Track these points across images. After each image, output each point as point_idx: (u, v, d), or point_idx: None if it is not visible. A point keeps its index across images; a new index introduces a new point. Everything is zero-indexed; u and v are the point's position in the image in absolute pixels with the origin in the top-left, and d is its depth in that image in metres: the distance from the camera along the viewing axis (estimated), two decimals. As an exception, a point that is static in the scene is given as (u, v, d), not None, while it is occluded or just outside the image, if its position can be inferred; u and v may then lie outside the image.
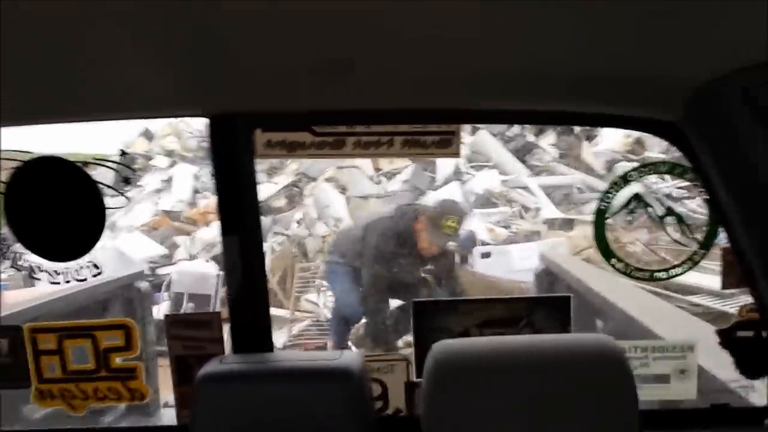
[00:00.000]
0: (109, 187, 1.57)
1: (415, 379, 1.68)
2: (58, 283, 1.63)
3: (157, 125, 10.51)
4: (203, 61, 1.15)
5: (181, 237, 8.00)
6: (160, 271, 6.92)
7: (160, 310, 5.21)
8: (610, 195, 1.68)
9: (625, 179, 1.68)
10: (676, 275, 1.70)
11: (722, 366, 1.89)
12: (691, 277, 5.50)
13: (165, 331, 1.66)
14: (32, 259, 1.61)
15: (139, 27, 1.00)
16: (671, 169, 1.69)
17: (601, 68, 1.21)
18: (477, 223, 8.59)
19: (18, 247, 1.60)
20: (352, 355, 1.37)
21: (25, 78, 1.16)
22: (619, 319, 3.02)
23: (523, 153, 10.60)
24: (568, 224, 8.79)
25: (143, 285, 4.24)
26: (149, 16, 0.96)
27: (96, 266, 1.64)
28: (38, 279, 1.66)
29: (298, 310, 6.19)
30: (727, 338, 1.58)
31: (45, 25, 0.96)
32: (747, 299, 1.55)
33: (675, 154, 1.61)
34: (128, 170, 1.60)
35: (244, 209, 1.54)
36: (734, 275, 1.61)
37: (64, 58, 1.09)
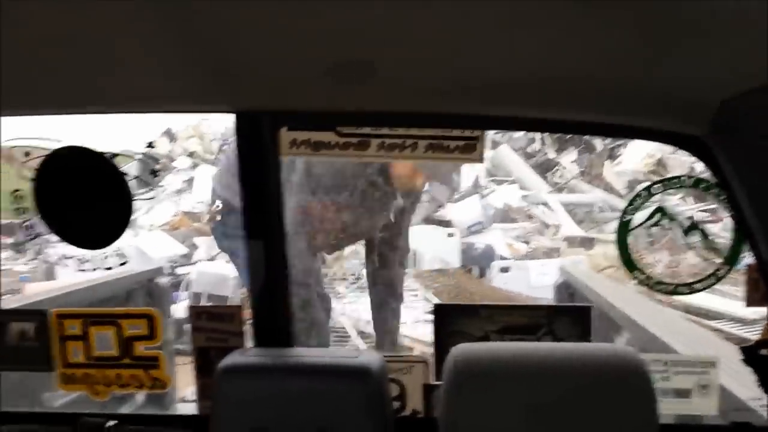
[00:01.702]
0: (136, 177, 1.60)
1: (433, 382, 1.68)
2: (85, 270, 1.65)
3: (180, 126, 10.63)
4: (231, 57, 1.17)
5: (201, 238, 8.07)
6: (180, 270, 6.97)
7: (178, 309, 5.25)
8: (633, 207, 1.67)
9: (649, 192, 1.67)
10: (699, 290, 1.68)
11: (743, 385, 1.88)
12: (714, 302, 5.46)
13: (190, 322, 1.68)
14: (59, 248, 1.64)
15: (168, 21, 1.01)
16: (696, 183, 1.68)
17: (627, 80, 1.21)
18: (496, 238, 8.57)
19: (45, 237, 1.63)
20: (372, 354, 1.37)
21: (56, 68, 1.19)
22: (640, 336, 2.99)
23: (544, 169, 10.57)
24: (588, 242, 8.75)
25: (163, 281, 4.27)
26: (179, 10, 0.98)
27: (122, 255, 1.67)
28: (66, 266, 1.68)
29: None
30: (750, 356, 1.56)
31: (77, 16, 0.98)
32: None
33: (698, 175, 1.61)
34: (155, 163, 1.62)
35: (269, 206, 1.56)
36: (759, 292, 1.60)
37: (93, 50, 1.11)
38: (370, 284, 3.92)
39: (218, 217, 3.45)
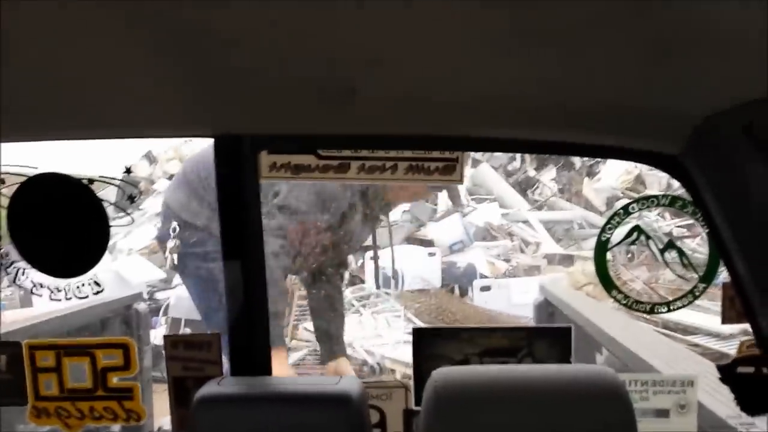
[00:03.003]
0: (113, 204, 1.58)
1: (413, 407, 1.67)
2: (59, 300, 1.63)
3: (160, 149, 10.56)
4: (210, 81, 1.17)
5: (180, 261, 7.98)
6: (159, 295, 6.89)
7: (157, 336, 5.18)
8: (611, 227, 1.68)
9: (626, 211, 1.69)
10: (677, 308, 1.70)
11: (721, 403, 1.89)
12: (691, 317, 5.51)
13: (164, 351, 1.65)
14: (33, 275, 1.62)
15: (145, 45, 1.01)
16: (672, 201, 1.70)
17: (602, 100, 1.22)
18: (477, 256, 8.58)
19: (20, 264, 1.61)
20: (351, 381, 1.36)
21: (31, 94, 1.17)
22: (619, 353, 3.01)
23: (524, 187, 10.64)
24: (568, 260, 8.79)
25: (141, 307, 4.21)
26: (156, 35, 0.97)
27: (98, 284, 1.64)
28: (39, 296, 1.66)
29: (296, 339, 6.15)
30: (728, 374, 1.57)
31: (50, 41, 0.97)
32: (746, 338, 1.54)
33: (675, 192, 1.63)
34: (133, 188, 1.61)
35: (247, 231, 1.55)
36: (734, 310, 1.61)
37: (70, 75, 1.10)
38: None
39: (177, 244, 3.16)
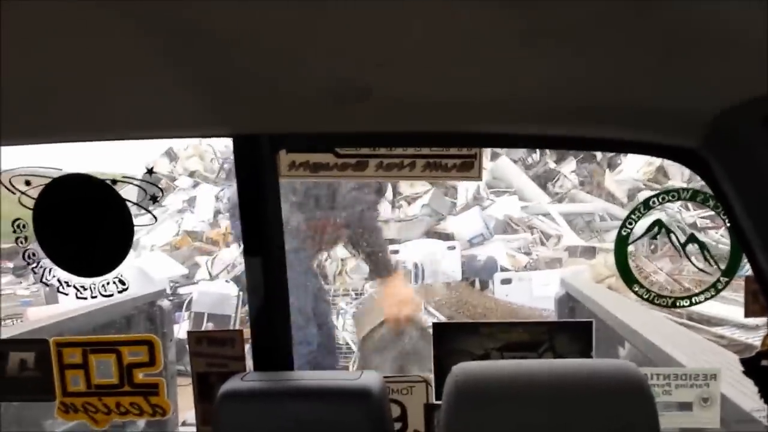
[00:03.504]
0: (136, 204, 1.60)
1: (434, 401, 1.68)
2: (85, 298, 1.65)
3: (180, 146, 10.64)
4: (228, 82, 1.18)
5: (202, 257, 8.06)
6: (181, 290, 6.96)
7: (181, 330, 5.23)
8: (632, 221, 1.68)
9: (647, 205, 1.68)
10: (699, 302, 1.68)
11: (745, 395, 1.87)
12: (716, 309, 5.45)
13: (188, 347, 1.68)
14: (60, 274, 1.64)
15: (164, 48, 1.02)
16: (693, 195, 1.68)
17: (621, 95, 1.22)
18: (497, 249, 8.55)
19: (46, 263, 1.64)
20: (372, 376, 1.37)
21: (53, 96, 1.19)
22: (642, 347, 2.98)
23: (544, 180, 10.57)
24: (589, 252, 8.73)
25: (165, 303, 4.26)
26: (175, 37, 0.99)
27: (122, 282, 1.67)
28: (66, 294, 1.69)
29: (316, 333, 6.18)
30: (752, 367, 1.56)
31: (72, 44, 0.99)
32: (771, 329, 1.53)
33: (698, 183, 1.61)
34: (155, 188, 1.63)
35: (268, 229, 1.56)
36: (758, 304, 1.60)
37: (92, 77, 1.12)
38: None
39: None
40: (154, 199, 1.61)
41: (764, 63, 1.01)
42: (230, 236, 8.03)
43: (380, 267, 3.86)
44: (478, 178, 1.68)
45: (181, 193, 9.88)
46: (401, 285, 3.86)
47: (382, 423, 1.29)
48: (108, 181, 1.56)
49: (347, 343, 5.75)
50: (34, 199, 1.55)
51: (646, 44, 1.00)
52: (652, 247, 1.80)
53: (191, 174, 10.33)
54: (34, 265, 1.66)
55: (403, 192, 9.48)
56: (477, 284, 8.01)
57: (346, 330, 5.89)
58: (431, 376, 1.70)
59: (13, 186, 1.56)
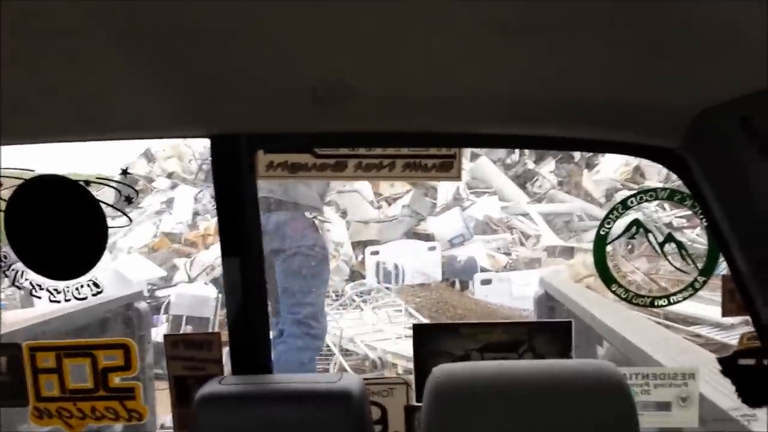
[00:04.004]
0: (110, 206, 1.58)
1: (414, 403, 1.67)
2: (59, 302, 1.63)
3: (159, 146, 10.56)
4: (206, 82, 1.17)
5: (180, 259, 8.00)
6: (159, 293, 6.90)
7: (159, 333, 5.19)
8: (610, 221, 1.68)
9: (624, 205, 1.69)
10: (677, 302, 1.70)
11: (723, 394, 1.89)
12: (692, 308, 5.51)
13: (165, 351, 1.65)
14: (33, 277, 1.61)
15: (142, 48, 1.01)
16: (670, 195, 1.70)
17: (600, 95, 1.22)
18: (477, 250, 8.59)
19: (19, 266, 1.61)
20: (352, 378, 1.36)
21: (27, 97, 1.17)
22: (620, 346, 3.01)
23: (523, 180, 10.64)
24: (568, 252, 8.80)
25: (142, 306, 4.22)
26: (152, 38, 0.97)
27: (96, 284, 1.64)
28: (38, 297, 1.66)
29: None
30: (729, 366, 1.57)
31: (48, 45, 0.97)
32: (748, 329, 1.54)
33: (674, 183, 1.62)
34: (130, 189, 1.60)
35: (246, 230, 1.54)
36: (735, 303, 1.61)
37: (67, 77, 1.10)
38: None
39: None
40: (129, 201, 1.59)
41: (742, 64, 1.02)
42: (210, 237, 7.97)
43: None
44: (458, 178, 1.68)
45: (160, 195, 9.80)
46: None
47: (363, 425, 1.29)
48: (81, 182, 1.53)
49: (327, 346, 5.73)
50: (5, 200, 1.52)
51: (625, 45, 1.01)
52: (630, 246, 1.81)
53: (169, 175, 10.25)
54: (6, 268, 1.63)
55: (383, 193, 9.49)
56: (457, 285, 8.04)
57: (327, 333, 5.87)
58: (411, 378, 1.69)
59: (-16, 187, 1.53)
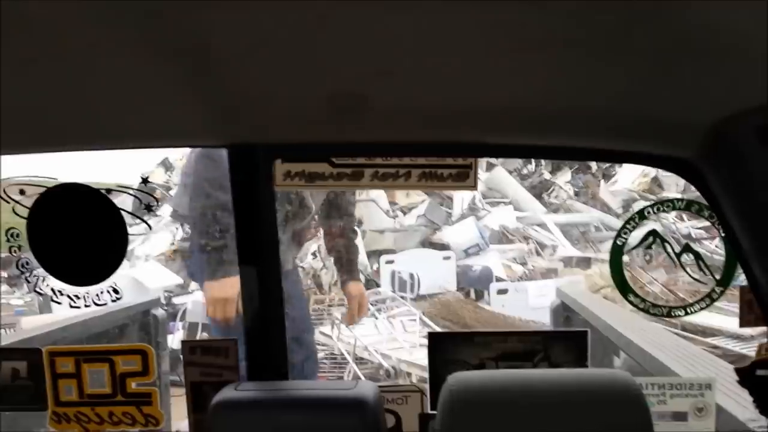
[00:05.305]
0: (131, 214, 1.60)
1: (429, 411, 1.67)
2: (79, 307, 1.65)
3: (176, 155, 10.66)
4: (226, 93, 1.18)
5: (197, 267, 8.03)
6: (176, 300, 6.94)
7: (175, 340, 5.21)
8: (627, 231, 1.68)
9: (642, 215, 1.68)
10: (694, 312, 1.68)
11: (741, 406, 1.87)
12: (711, 319, 5.46)
13: (182, 357, 1.67)
14: (53, 283, 1.64)
15: (163, 60, 1.03)
16: (687, 205, 1.69)
17: (615, 106, 1.22)
18: (493, 259, 8.57)
19: (41, 272, 1.63)
20: (367, 385, 1.37)
21: (48, 106, 1.19)
22: (637, 356, 2.99)
23: (539, 190, 10.61)
24: (585, 262, 8.75)
25: (159, 312, 4.25)
26: (170, 47, 0.99)
27: (116, 291, 1.66)
28: (59, 303, 1.68)
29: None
30: (747, 377, 1.56)
31: (67, 53, 0.99)
32: (765, 341, 1.53)
33: (693, 194, 1.61)
34: (150, 197, 1.63)
35: (263, 239, 1.56)
36: (753, 313, 1.60)
37: (87, 87, 1.12)
38: None
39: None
40: (149, 209, 1.61)
41: (759, 74, 1.02)
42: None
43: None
44: (474, 187, 1.68)
45: (177, 203, 9.86)
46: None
47: None
48: (103, 191, 1.55)
49: (342, 354, 5.74)
50: (28, 208, 1.55)
51: (641, 56, 1.01)
52: (647, 257, 1.80)
53: (187, 184, 10.32)
54: (28, 274, 1.65)
55: (399, 202, 9.50)
56: (472, 294, 8.02)
57: (341, 341, 5.88)
58: (426, 386, 1.69)
59: (8, 195, 1.56)
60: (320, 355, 5.95)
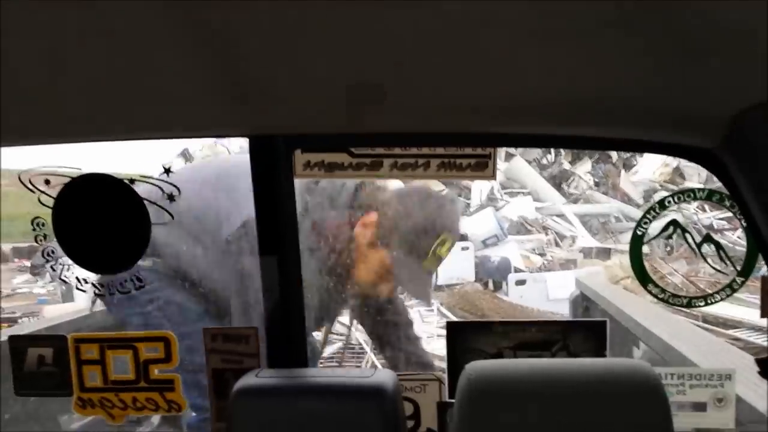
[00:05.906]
0: (153, 203, 1.62)
1: (447, 399, 1.68)
2: (103, 295, 1.68)
3: (196, 146, 10.72)
4: (246, 84, 1.19)
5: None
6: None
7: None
8: (647, 221, 1.67)
9: (662, 205, 1.67)
10: (714, 302, 1.67)
11: (761, 397, 1.86)
12: (732, 311, 5.41)
13: (204, 344, 1.69)
14: (78, 272, 1.67)
15: (181, 49, 1.03)
16: (709, 195, 1.68)
17: (636, 95, 1.21)
18: (511, 250, 8.54)
19: (65, 261, 1.66)
20: (386, 373, 1.38)
21: (72, 97, 1.21)
22: (657, 347, 2.97)
23: (558, 180, 10.54)
24: (604, 253, 8.70)
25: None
26: (191, 38, 1.00)
27: (140, 279, 1.69)
28: (83, 291, 1.71)
29: (330, 333, 6.19)
30: (767, 368, 1.55)
31: (90, 45, 1.00)
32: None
33: (715, 184, 1.60)
34: (172, 188, 1.65)
35: (283, 228, 1.57)
36: (774, 304, 1.59)
37: (109, 77, 1.13)
38: None
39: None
40: (171, 198, 1.63)
41: None
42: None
43: None
44: (492, 177, 1.68)
45: (197, 193, 9.93)
46: None
47: (395, 420, 1.30)
48: (126, 181, 1.58)
49: (360, 343, 5.75)
50: (53, 197, 1.58)
51: (663, 45, 1.00)
52: (668, 248, 1.79)
53: (206, 174, 10.38)
54: (53, 262, 1.68)
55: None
56: (490, 285, 8.01)
57: (358, 330, 5.90)
58: (444, 375, 1.70)
59: (33, 185, 1.59)
60: (337, 345, 5.98)
